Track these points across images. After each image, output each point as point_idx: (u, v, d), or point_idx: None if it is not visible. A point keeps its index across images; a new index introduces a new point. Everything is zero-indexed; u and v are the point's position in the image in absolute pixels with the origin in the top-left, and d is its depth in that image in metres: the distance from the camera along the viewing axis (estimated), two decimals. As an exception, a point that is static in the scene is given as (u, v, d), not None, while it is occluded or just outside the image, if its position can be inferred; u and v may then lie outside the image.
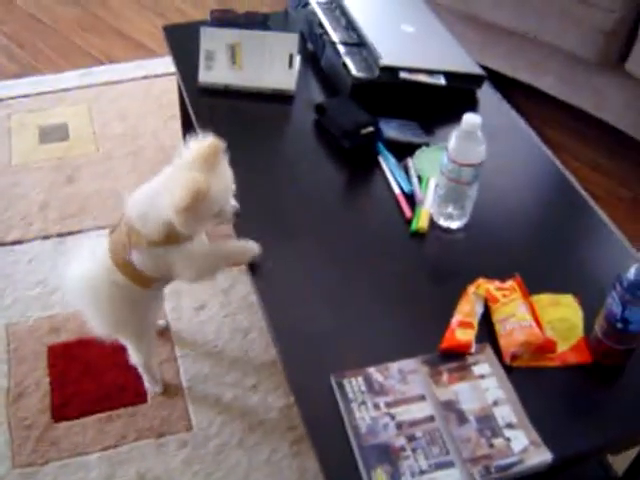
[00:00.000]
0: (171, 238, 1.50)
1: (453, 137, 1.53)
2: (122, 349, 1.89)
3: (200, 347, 2.07)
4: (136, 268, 1.56)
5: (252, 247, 1.57)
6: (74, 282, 1.69)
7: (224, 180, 1.50)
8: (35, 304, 2.17)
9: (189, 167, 1.44)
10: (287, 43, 2.00)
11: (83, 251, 1.68)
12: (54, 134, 2.81)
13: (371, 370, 1.35)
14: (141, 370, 1.94)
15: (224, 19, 2.19)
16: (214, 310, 2.17)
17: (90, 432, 1.90)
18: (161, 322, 2.09)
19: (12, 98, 3.00)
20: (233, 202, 1.55)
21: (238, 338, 2.10)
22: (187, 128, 2.42)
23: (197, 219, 1.45)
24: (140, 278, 1.59)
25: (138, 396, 1.97)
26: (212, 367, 2.03)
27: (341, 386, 1.32)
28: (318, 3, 2.19)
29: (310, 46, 2.16)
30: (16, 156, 2.71)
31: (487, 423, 1.29)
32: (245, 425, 1.91)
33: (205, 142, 1.46)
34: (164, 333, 2.10)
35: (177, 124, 2.58)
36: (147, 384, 1.98)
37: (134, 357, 1.89)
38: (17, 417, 1.93)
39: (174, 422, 1.91)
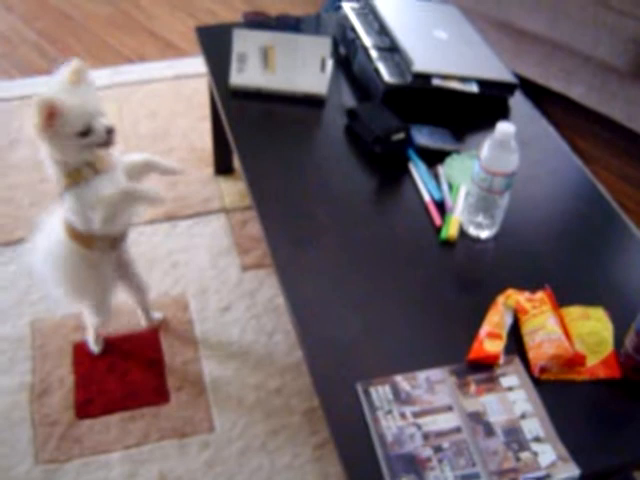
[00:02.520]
0: (71, 177, 1.59)
1: (486, 145, 1.52)
2: (146, 349, 1.89)
3: (224, 348, 2.07)
4: (74, 228, 1.67)
5: (156, 194, 1.69)
6: (37, 254, 1.78)
7: (86, 97, 1.53)
8: (61, 301, 2.18)
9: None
10: (320, 47, 1.99)
11: (46, 224, 1.77)
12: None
13: (398, 378, 1.34)
14: (90, 331, 2.04)
15: (257, 21, 2.20)
16: (239, 312, 2.16)
17: (113, 430, 1.90)
18: (157, 315, 2.13)
19: (43, 95, 3.01)
20: (104, 121, 1.55)
21: (263, 340, 2.10)
22: (217, 129, 2.43)
23: (60, 137, 1.51)
24: (80, 238, 1.69)
25: (161, 396, 1.97)
26: (236, 369, 2.03)
27: (367, 394, 1.32)
28: (351, 8, 2.18)
29: (342, 50, 2.16)
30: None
31: (514, 436, 1.27)
32: (268, 428, 1.90)
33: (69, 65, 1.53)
34: (160, 326, 2.14)
35: (207, 125, 2.58)
36: (91, 345, 2.06)
37: (92, 319, 1.99)
38: (41, 414, 1.94)
39: (197, 423, 1.91)
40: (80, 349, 2.07)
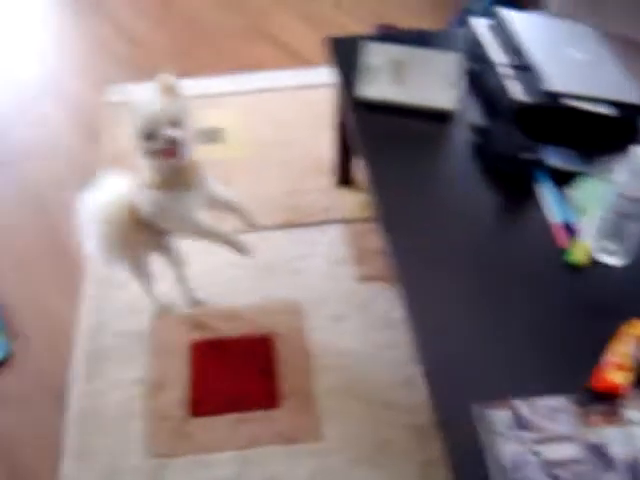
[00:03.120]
0: (164, 182, 1.75)
1: (622, 170, 1.47)
2: (260, 353, 1.91)
3: (337, 358, 2.08)
4: (135, 210, 1.81)
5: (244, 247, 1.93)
6: (93, 206, 1.90)
7: (163, 106, 1.65)
8: (180, 299, 2.23)
9: None
10: (451, 62, 1.98)
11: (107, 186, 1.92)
12: (209, 136, 2.89)
13: (518, 403, 1.31)
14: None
15: (387, 34, 2.20)
16: (353, 323, 2.17)
17: (223, 431, 1.94)
18: (200, 295, 2.23)
19: (170, 99, 3.10)
20: (171, 131, 1.65)
21: (375, 353, 2.09)
22: (341, 140, 2.45)
23: (135, 136, 1.66)
24: (138, 224, 1.84)
25: (272, 401, 1.99)
26: (347, 380, 2.03)
27: (485, 416, 1.29)
28: (482, 24, 2.16)
29: (472, 66, 2.14)
30: (172, 155, 2.80)
31: (636, 472, 1.23)
32: (375, 442, 1.90)
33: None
34: (198, 305, 2.24)
35: (329, 135, 2.60)
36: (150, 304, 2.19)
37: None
38: (155, 408, 1.99)
39: (305, 431, 1.92)
40: (197, 348, 2.11)
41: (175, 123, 1.66)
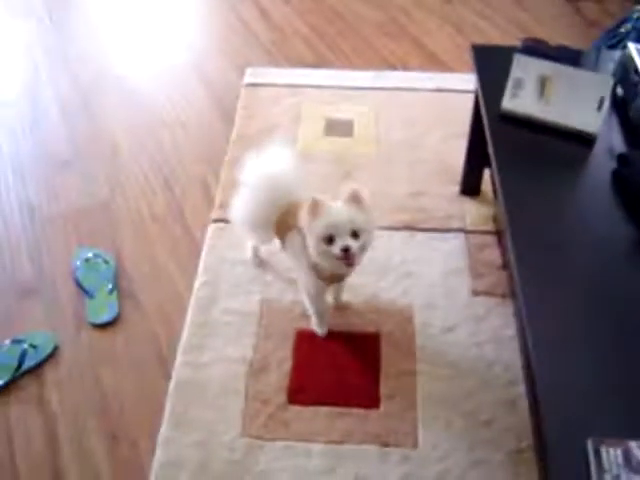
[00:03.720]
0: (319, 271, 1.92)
1: None
2: (366, 351, 1.91)
3: (442, 368, 2.05)
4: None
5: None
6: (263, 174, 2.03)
7: (347, 214, 1.76)
8: (292, 287, 2.25)
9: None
10: (600, 85, 1.93)
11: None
12: (339, 128, 2.90)
13: (632, 444, 1.27)
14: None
15: (535, 49, 2.16)
16: (463, 335, 2.14)
17: (319, 422, 1.94)
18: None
19: (305, 86, 3.13)
20: (349, 241, 1.75)
21: (481, 368, 2.06)
22: (472, 149, 2.42)
23: (312, 233, 1.77)
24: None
25: (372, 400, 1.98)
26: (449, 390, 2.00)
27: (598, 453, 1.25)
28: (637, 49, 2.09)
29: (620, 91, 2.07)
30: (301, 142, 2.83)
31: None
32: (471, 458, 1.86)
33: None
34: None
35: (459, 141, 2.57)
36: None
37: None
38: (255, 390, 2.01)
39: (401, 435, 1.91)
40: (302, 336, 2.13)
41: (356, 233, 1.75)
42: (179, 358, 2.09)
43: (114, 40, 3.56)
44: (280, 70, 3.25)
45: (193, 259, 2.38)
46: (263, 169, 2.02)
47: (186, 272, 2.35)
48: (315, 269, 1.92)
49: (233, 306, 2.22)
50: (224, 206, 2.50)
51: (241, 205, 2.10)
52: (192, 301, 2.24)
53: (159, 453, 1.88)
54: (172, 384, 2.03)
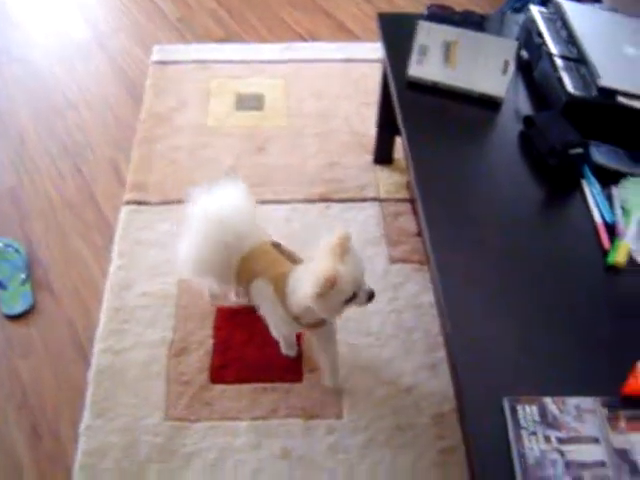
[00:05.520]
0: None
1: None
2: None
3: (362, 338, 2.06)
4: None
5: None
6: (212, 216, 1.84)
7: (354, 267, 1.61)
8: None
9: (323, 258, 1.60)
10: (504, 48, 1.95)
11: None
12: (250, 103, 2.87)
13: (547, 400, 1.29)
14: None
15: (440, 15, 2.16)
16: (382, 303, 2.15)
17: (243, 400, 1.94)
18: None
19: (214, 62, 3.09)
20: (367, 287, 1.65)
21: (401, 336, 2.07)
22: (383, 118, 2.42)
23: (331, 304, 1.61)
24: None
25: (295, 374, 1.99)
26: (371, 360, 2.02)
27: (514, 410, 1.28)
28: (540, 12, 2.12)
29: (525, 54, 2.10)
30: (211, 118, 2.79)
31: (662, 480, 1.21)
32: (395, 425, 1.89)
33: (335, 236, 1.61)
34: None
35: (371, 111, 2.58)
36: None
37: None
38: (176, 371, 1.99)
39: (326, 407, 1.92)
40: (222, 314, 2.11)
41: (364, 274, 1.67)
42: (97, 345, 2.05)
43: (12, 19, 3.44)
44: (188, 46, 3.19)
45: (107, 243, 2.33)
46: (215, 211, 1.84)
47: (100, 257, 2.30)
48: (296, 319, 1.78)
49: (150, 289, 2.18)
50: (136, 187, 2.46)
51: (192, 252, 1.91)
52: (108, 286, 2.20)
53: (82, 442, 1.85)
54: (92, 371, 1.99)
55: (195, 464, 1.82)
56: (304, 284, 1.62)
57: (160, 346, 2.04)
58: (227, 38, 3.27)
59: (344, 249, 1.60)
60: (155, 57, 3.11)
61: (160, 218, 2.38)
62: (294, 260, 1.82)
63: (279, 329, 1.93)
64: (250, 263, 1.83)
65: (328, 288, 1.55)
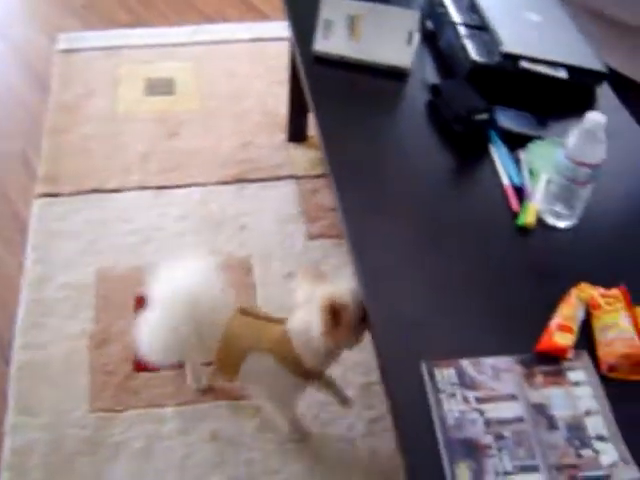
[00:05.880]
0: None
1: (573, 134, 1.47)
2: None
3: (285, 315, 2.06)
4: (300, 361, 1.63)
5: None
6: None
7: (354, 294, 1.54)
8: (127, 253, 2.21)
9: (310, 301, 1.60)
10: (408, 19, 1.96)
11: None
12: (160, 87, 2.84)
13: (464, 362, 1.32)
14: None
15: (344, -11, 2.16)
16: (302, 280, 2.15)
17: (169, 386, 1.93)
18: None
19: (122, 47, 3.04)
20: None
21: (322, 311, 2.08)
22: (294, 95, 2.42)
23: (345, 326, 1.54)
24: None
25: (219, 356, 1.97)
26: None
27: (432, 375, 1.29)
28: (442, -19, 2.14)
29: (429, 25, 2.11)
30: (122, 105, 2.76)
31: (577, 432, 1.24)
32: (322, 398, 1.89)
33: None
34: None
35: (283, 89, 2.57)
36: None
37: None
38: (99, 362, 1.97)
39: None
40: (143, 303, 2.08)
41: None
42: (17, 340, 2.02)
43: None
44: (94, 33, 3.13)
45: (20, 237, 2.28)
46: (181, 289, 1.67)
47: (14, 252, 2.25)
48: (311, 374, 1.68)
49: (68, 280, 2.15)
50: (48, 179, 2.41)
51: (162, 335, 1.70)
52: (24, 281, 2.15)
53: (7, 441, 1.83)
54: (13, 368, 1.96)
55: (124, 454, 1.81)
56: (312, 330, 1.57)
57: (81, 338, 2.02)
58: (134, 23, 3.22)
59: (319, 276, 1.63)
60: (61, 45, 3.04)
61: (74, 208, 2.35)
62: (275, 319, 1.72)
63: (289, 403, 1.80)
64: (232, 343, 1.66)
65: (333, 314, 1.52)
